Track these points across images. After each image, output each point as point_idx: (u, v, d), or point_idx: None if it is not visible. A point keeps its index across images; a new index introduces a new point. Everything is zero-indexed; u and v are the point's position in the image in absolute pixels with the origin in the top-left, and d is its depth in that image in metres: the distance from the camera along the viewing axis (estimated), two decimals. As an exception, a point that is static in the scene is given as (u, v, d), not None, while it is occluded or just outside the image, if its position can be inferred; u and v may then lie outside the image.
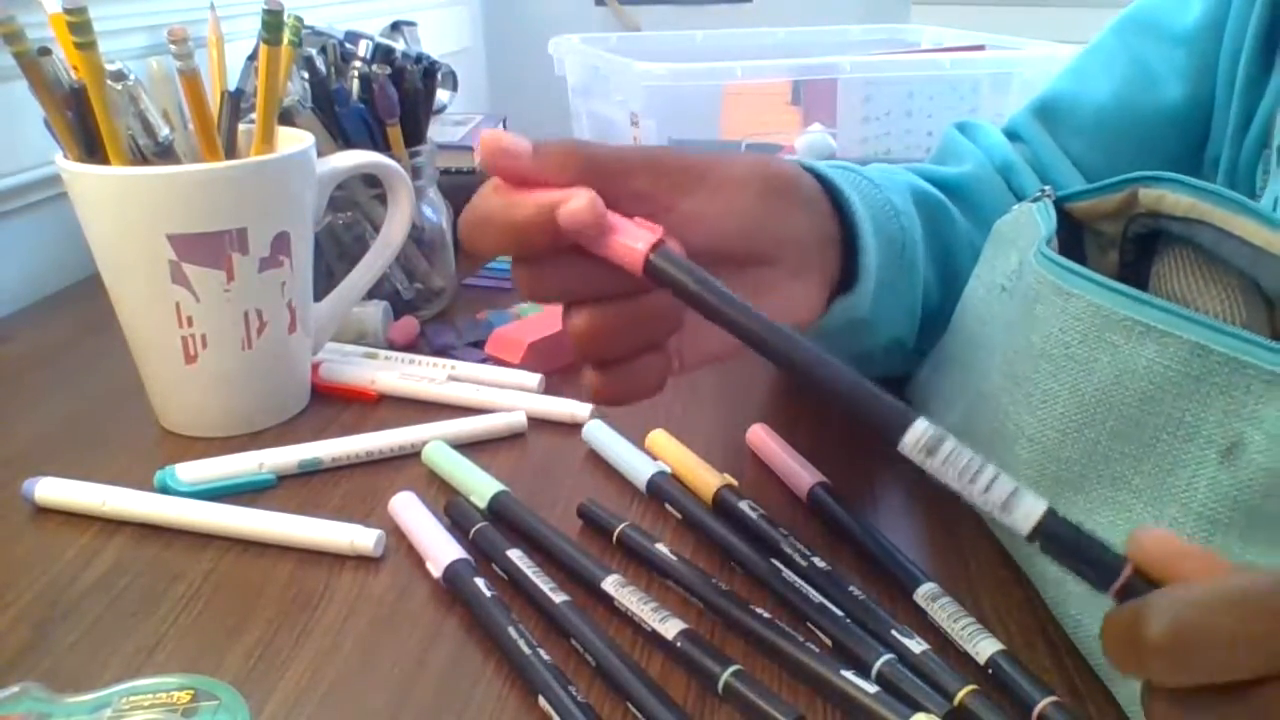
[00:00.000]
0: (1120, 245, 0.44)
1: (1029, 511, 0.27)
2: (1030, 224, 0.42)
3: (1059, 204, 0.44)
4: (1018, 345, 0.40)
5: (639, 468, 0.48)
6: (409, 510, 0.44)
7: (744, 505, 0.44)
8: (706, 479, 0.46)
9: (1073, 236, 0.46)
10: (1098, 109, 0.55)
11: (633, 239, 0.32)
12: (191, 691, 0.34)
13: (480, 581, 0.39)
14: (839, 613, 0.38)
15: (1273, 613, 0.22)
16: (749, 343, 0.31)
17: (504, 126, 0.98)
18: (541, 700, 0.34)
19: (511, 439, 0.53)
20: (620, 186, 0.35)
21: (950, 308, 0.49)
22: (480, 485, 0.46)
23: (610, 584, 0.39)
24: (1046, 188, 0.44)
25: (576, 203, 0.32)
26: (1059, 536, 0.26)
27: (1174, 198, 0.40)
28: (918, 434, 0.28)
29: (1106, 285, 0.36)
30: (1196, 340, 0.32)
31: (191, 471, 0.48)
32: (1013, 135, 0.59)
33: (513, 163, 0.33)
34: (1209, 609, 0.23)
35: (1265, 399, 0.31)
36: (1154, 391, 0.33)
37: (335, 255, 0.66)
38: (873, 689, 0.33)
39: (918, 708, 0.33)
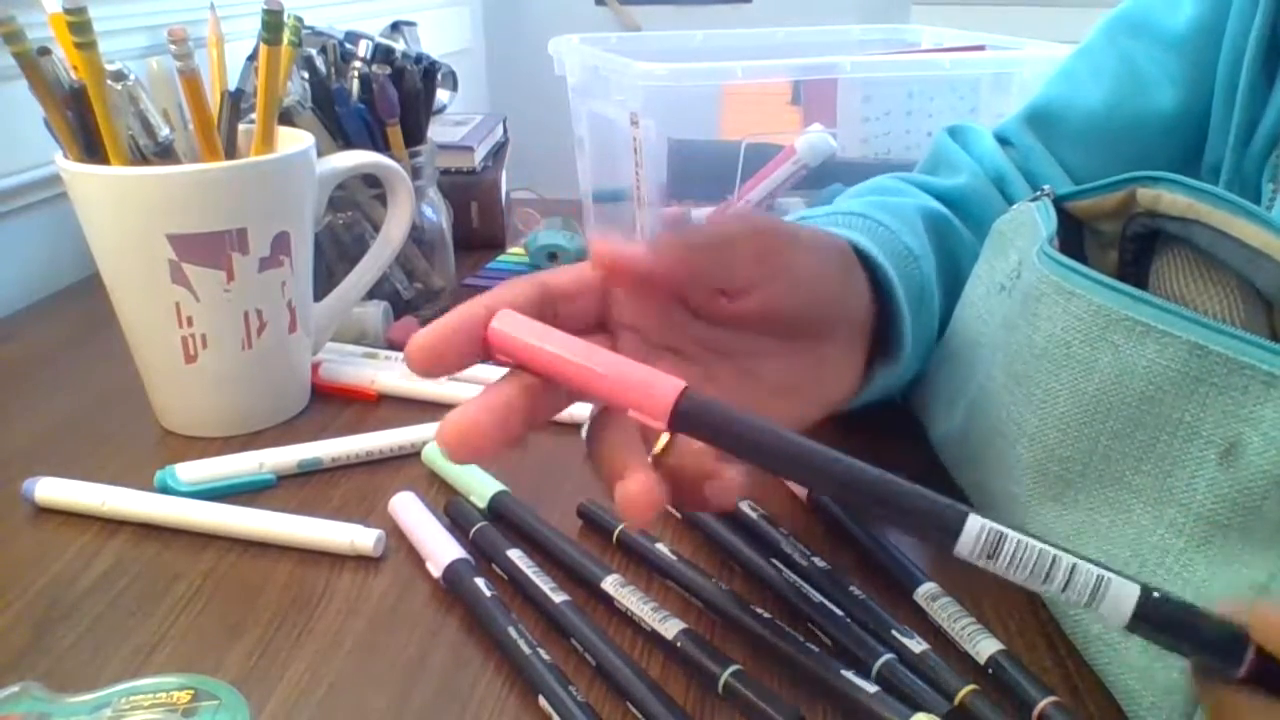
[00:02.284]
0: (1120, 245, 0.44)
1: (1120, 599, 0.25)
2: (1030, 223, 0.42)
3: (1058, 203, 0.44)
4: (1019, 344, 0.40)
5: (639, 468, 0.48)
6: (409, 510, 0.44)
7: (744, 505, 0.44)
8: (706, 479, 0.46)
9: (1072, 235, 0.46)
10: (1088, 116, 0.55)
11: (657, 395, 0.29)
12: (191, 691, 0.34)
13: (480, 581, 0.39)
14: (839, 613, 0.38)
15: None
16: (782, 469, 0.29)
17: (504, 127, 0.98)
18: (541, 700, 0.34)
19: (511, 439, 0.53)
20: (733, 255, 0.36)
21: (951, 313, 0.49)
22: (480, 485, 0.46)
23: (610, 584, 0.39)
24: (1046, 187, 0.44)
25: (634, 488, 0.30)
26: (1161, 619, 0.25)
27: (1171, 197, 0.40)
28: (971, 538, 0.26)
29: (1108, 285, 0.36)
30: (1195, 340, 0.32)
31: (191, 471, 0.48)
32: (1004, 141, 0.58)
33: (633, 268, 0.34)
34: None
35: (1263, 400, 0.31)
36: (1154, 392, 0.33)
37: (335, 255, 0.66)
38: (873, 689, 0.33)
39: (918, 708, 0.33)
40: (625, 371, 0.29)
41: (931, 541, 0.27)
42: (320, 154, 0.55)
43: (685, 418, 0.28)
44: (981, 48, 0.90)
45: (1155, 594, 0.25)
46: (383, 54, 0.68)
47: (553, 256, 0.79)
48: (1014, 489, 0.41)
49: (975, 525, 0.26)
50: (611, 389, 0.29)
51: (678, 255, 0.34)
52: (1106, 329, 0.35)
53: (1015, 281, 0.42)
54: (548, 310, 0.34)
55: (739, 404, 0.30)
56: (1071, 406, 0.36)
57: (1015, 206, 0.45)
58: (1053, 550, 0.25)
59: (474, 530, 0.43)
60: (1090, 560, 0.26)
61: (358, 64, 0.66)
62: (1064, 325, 0.37)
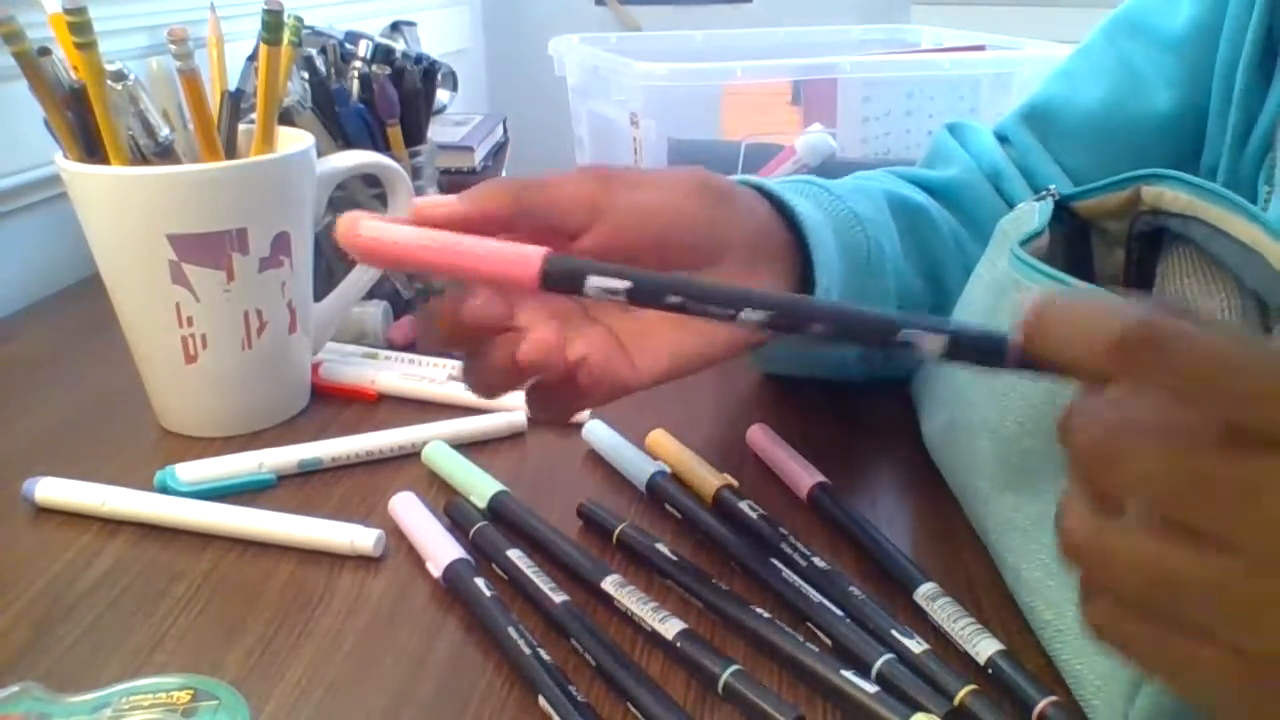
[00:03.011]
0: (1126, 243, 0.45)
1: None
2: (1029, 223, 0.43)
3: (1065, 202, 0.45)
4: None
5: (639, 468, 0.48)
6: (409, 510, 0.44)
7: (744, 505, 0.44)
8: (706, 479, 0.46)
9: (1079, 234, 0.46)
10: (1086, 115, 0.55)
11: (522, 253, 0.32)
12: (191, 691, 0.34)
13: (480, 581, 0.39)
14: (839, 613, 0.38)
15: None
16: (644, 297, 0.31)
17: (504, 127, 0.98)
18: (541, 700, 0.34)
19: (511, 439, 0.53)
20: (562, 196, 0.36)
21: (940, 307, 0.50)
22: (480, 485, 0.46)
23: (610, 584, 0.39)
24: (1051, 188, 0.45)
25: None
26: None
27: (1173, 195, 0.41)
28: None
29: (1061, 279, 0.37)
30: None
31: (191, 471, 0.48)
32: (1001, 139, 0.59)
33: (445, 213, 0.34)
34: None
35: None
36: None
37: (335, 255, 0.66)
38: (873, 689, 0.33)
39: (918, 708, 0.33)
40: (491, 247, 0.31)
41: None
42: (320, 154, 0.55)
43: (552, 275, 0.31)
44: (981, 48, 0.90)
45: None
46: (383, 54, 0.68)
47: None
48: (979, 482, 0.42)
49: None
50: (479, 263, 0.31)
51: (500, 199, 0.35)
52: None
53: None
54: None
55: (630, 337, 0.37)
56: (1029, 399, 0.37)
57: (1019, 206, 0.45)
58: None
59: (474, 530, 0.43)
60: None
61: (358, 64, 0.66)
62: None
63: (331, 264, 0.65)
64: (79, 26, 0.47)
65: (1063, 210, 0.45)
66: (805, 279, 0.44)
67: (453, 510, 0.45)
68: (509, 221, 0.35)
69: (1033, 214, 0.43)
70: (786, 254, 0.44)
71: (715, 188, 0.41)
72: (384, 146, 0.66)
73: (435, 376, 0.58)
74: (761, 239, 0.42)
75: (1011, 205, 0.55)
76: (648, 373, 0.39)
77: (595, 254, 0.36)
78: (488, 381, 0.36)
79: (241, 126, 0.55)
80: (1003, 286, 0.40)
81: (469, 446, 0.51)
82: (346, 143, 0.65)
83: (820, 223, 0.44)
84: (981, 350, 0.27)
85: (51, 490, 0.47)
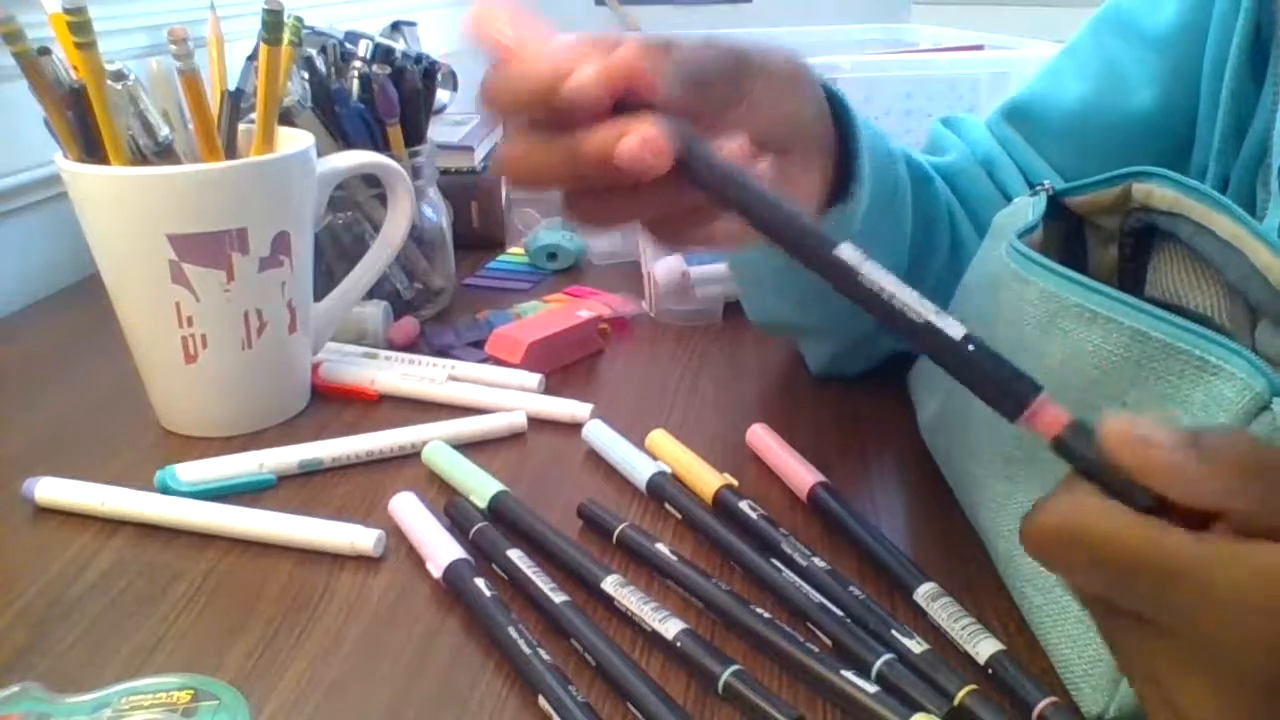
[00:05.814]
0: (1119, 239, 0.45)
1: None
2: (1024, 217, 0.43)
3: (1058, 198, 0.45)
4: (981, 331, 0.40)
5: (639, 468, 0.48)
6: (409, 510, 0.44)
7: (744, 505, 0.44)
8: (706, 479, 0.46)
9: (1075, 230, 0.46)
10: (1067, 113, 0.55)
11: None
12: (191, 691, 0.34)
13: (480, 581, 0.39)
14: (839, 613, 0.38)
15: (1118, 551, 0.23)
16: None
17: (504, 127, 0.98)
18: (541, 700, 0.34)
19: (511, 439, 0.53)
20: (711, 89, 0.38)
21: (924, 278, 0.50)
22: (480, 485, 0.46)
23: (610, 584, 0.39)
24: (1046, 183, 0.45)
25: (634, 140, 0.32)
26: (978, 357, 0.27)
27: (1161, 192, 0.41)
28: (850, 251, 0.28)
29: (1059, 273, 0.37)
30: (1136, 326, 0.33)
31: (191, 471, 0.48)
32: None
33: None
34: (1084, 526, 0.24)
35: (1195, 383, 0.32)
36: (1099, 375, 0.35)
37: (335, 255, 0.66)
38: (873, 689, 0.33)
39: (918, 708, 0.33)
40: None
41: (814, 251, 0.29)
42: (320, 154, 0.55)
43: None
44: (980, 47, 0.90)
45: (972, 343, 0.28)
46: (383, 54, 0.68)
47: (552, 256, 0.79)
48: (973, 467, 0.42)
49: (849, 248, 0.28)
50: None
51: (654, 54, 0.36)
52: (1057, 315, 0.36)
53: None
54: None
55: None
56: None
57: (1015, 201, 0.46)
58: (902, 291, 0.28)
59: (474, 530, 0.43)
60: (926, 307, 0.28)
61: (358, 64, 0.66)
62: (1020, 312, 0.38)
63: (331, 264, 0.65)
64: (79, 26, 0.47)
65: (1057, 206, 0.45)
66: (836, 183, 0.44)
67: (453, 510, 0.45)
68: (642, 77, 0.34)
69: (1027, 208, 0.43)
70: (829, 150, 0.44)
71: (810, 77, 0.43)
72: (384, 146, 0.66)
73: (435, 376, 0.58)
74: (820, 128, 0.43)
75: (1005, 193, 0.56)
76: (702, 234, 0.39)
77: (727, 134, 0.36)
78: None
79: (241, 126, 0.55)
80: (999, 279, 0.40)
81: (469, 446, 0.51)
82: (346, 143, 0.65)
83: (864, 137, 0.45)
84: (997, 391, 0.27)
85: (51, 490, 0.47)
